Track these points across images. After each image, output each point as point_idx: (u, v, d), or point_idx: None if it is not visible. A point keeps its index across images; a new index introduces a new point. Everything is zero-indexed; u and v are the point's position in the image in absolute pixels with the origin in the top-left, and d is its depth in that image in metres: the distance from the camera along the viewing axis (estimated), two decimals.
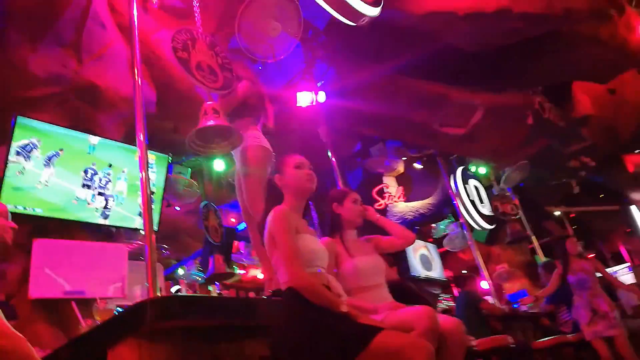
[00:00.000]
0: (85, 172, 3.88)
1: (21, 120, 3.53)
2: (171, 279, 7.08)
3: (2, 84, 3.67)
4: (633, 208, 11.05)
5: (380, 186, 7.52)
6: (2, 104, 3.69)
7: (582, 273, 4.64)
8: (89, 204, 3.84)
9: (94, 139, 3.99)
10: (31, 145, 3.59)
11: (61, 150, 3.76)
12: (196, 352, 1.99)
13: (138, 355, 1.83)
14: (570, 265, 4.75)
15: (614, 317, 4.41)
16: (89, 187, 3.87)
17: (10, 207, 3.33)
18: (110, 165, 4.06)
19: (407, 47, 4.54)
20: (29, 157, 3.59)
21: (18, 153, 3.52)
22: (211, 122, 2.68)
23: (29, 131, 3.58)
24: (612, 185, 10.15)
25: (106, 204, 3.96)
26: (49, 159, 3.68)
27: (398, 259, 6.25)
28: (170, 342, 1.94)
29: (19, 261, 3.33)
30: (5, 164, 3.40)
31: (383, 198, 7.47)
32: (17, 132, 3.50)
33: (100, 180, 3.99)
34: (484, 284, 6.60)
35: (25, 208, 3.47)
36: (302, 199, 2.11)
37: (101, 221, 3.92)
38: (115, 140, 4.17)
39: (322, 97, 4.79)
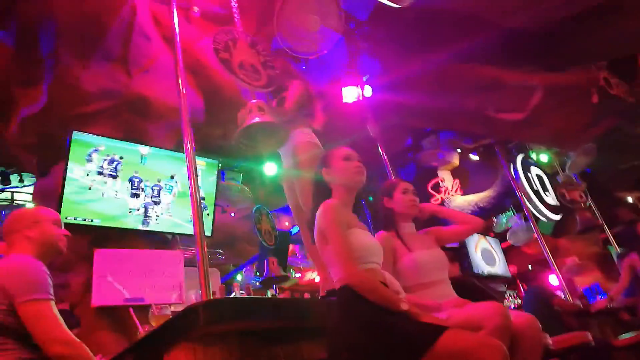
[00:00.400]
0: (131, 181, 3.95)
1: (77, 135, 3.65)
2: (230, 284, 7.17)
3: (57, 102, 3.82)
4: None
5: (435, 180, 7.25)
6: (59, 122, 3.84)
7: None
8: (137, 210, 3.91)
9: (145, 149, 4.06)
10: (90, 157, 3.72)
11: (121, 158, 3.87)
12: (252, 355, 1.91)
13: (193, 359, 1.78)
14: None
15: None
16: (137, 196, 3.94)
17: (70, 219, 3.46)
18: (158, 178, 4.12)
19: (455, 32, 4.31)
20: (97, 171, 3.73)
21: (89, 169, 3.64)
22: (257, 120, 2.62)
23: (85, 146, 3.69)
24: None
25: (155, 212, 4.03)
26: (115, 168, 3.80)
27: (459, 256, 5.98)
28: (225, 345, 1.88)
29: (82, 271, 3.43)
30: (64, 178, 3.52)
31: (439, 192, 7.20)
32: (73, 147, 3.62)
33: (152, 189, 4.06)
34: (554, 279, 6.19)
35: (84, 219, 3.57)
36: (352, 192, 2.00)
37: (153, 228, 3.97)
38: (167, 149, 4.24)
39: (368, 91, 4.66)
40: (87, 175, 3.66)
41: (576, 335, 3.38)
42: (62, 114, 3.82)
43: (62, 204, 3.45)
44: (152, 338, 2.03)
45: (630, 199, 9.47)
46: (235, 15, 3.56)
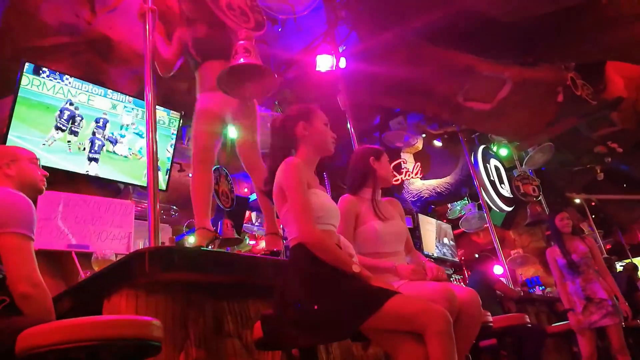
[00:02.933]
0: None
1: (29, 68, 3.42)
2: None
3: (13, 31, 3.56)
4: None
5: (397, 161, 7.32)
6: (11, 52, 3.59)
7: (575, 255, 4.11)
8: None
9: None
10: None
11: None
12: (196, 307, 1.87)
13: (134, 306, 1.73)
14: (563, 244, 4.12)
15: (610, 305, 3.82)
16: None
17: None
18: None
19: (435, 11, 4.28)
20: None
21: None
22: (241, 61, 2.47)
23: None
24: (637, 174, 9.79)
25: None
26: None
27: (412, 237, 6.10)
28: (169, 295, 1.83)
29: None
30: (11, 114, 3.30)
31: (400, 174, 7.28)
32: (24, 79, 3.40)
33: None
34: (498, 269, 6.43)
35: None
36: (319, 156, 1.95)
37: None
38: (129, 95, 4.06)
39: (342, 62, 4.59)
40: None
41: (515, 317, 3.52)
42: (16, 44, 3.57)
43: (8, 139, 3.25)
44: (93, 281, 1.96)
45: (578, 200, 9.91)
46: None
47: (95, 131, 3.83)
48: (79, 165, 3.69)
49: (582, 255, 4.03)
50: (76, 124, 3.70)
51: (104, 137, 3.90)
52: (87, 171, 3.70)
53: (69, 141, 3.64)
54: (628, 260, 10.08)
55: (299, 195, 1.72)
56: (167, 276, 1.80)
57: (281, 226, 2.92)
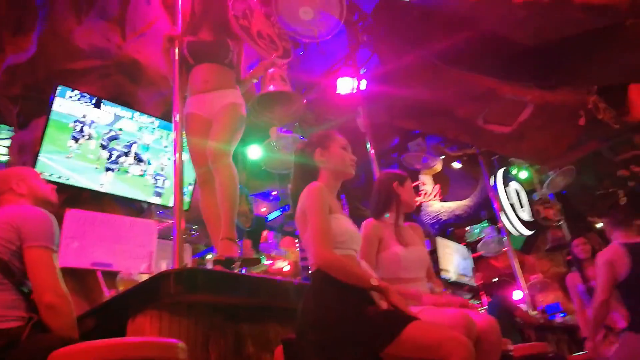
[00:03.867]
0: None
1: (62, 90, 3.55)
2: (200, 264, 7.10)
3: (46, 54, 3.71)
4: None
5: (416, 183, 7.31)
6: (45, 75, 3.73)
7: (595, 281, 3.96)
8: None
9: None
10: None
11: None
12: (219, 329, 1.90)
13: (158, 327, 1.76)
14: (583, 271, 4.01)
15: None
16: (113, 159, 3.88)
17: (45, 175, 3.38)
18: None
19: (457, 35, 4.33)
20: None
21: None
22: (271, 88, 2.55)
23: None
24: None
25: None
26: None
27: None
28: (192, 316, 1.86)
29: None
30: (44, 133, 3.42)
31: (418, 195, 7.26)
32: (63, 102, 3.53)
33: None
34: (517, 294, 6.31)
35: (59, 177, 3.48)
36: (339, 180, 1.98)
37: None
38: (154, 117, 4.17)
39: (363, 84, 4.64)
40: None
41: (536, 345, 3.45)
42: (50, 67, 3.71)
43: (38, 159, 3.36)
44: (118, 301, 2.00)
45: (600, 225, 9.71)
46: None
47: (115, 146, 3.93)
48: (94, 178, 3.74)
49: None
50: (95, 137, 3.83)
51: (124, 152, 3.98)
52: (101, 184, 3.76)
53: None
54: None
55: (319, 219, 1.74)
56: (191, 298, 1.84)
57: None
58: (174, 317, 1.82)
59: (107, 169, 3.78)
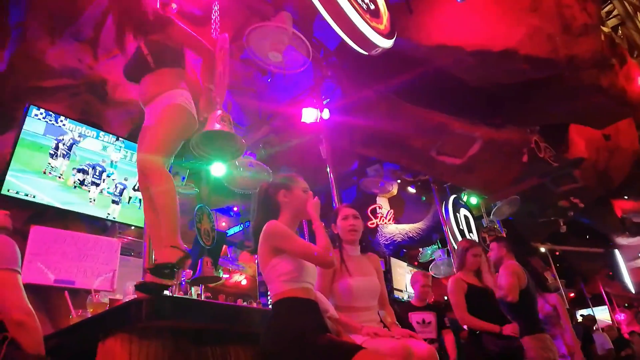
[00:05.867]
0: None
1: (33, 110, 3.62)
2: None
3: (16, 72, 3.76)
4: (616, 252, 11.24)
5: (373, 206, 7.63)
6: (13, 92, 3.78)
7: (540, 314, 4.37)
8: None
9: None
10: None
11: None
12: (183, 353, 2.06)
13: (128, 350, 1.90)
14: None
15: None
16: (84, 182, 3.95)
17: (12, 193, 3.43)
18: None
19: (413, 74, 4.69)
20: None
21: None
22: (217, 127, 2.70)
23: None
24: (598, 228, 10.33)
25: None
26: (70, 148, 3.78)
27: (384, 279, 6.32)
28: (159, 340, 2.01)
29: None
30: (13, 150, 3.48)
31: (375, 217, 7.57)
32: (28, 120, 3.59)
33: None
34: None
35: (26, 194, 3.53)
36: (298, 220, 2.18)
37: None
38: (120, 136, 4.26)
39: (326, 114, 4.90)
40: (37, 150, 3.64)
41: None
42: (18, 85, 3.77)
43: (6, 176, 3.41)
44: (89, 324, 2.12)
45: (542, 249, 10.36)
46: (214, 19, 3.70)
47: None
48: (59, 196, 3.79)
49: (546, 314, 4.34)
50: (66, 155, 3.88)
51: (87, 170, 4.03)
52: (68, 202, 3.80)
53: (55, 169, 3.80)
54: (587, 311, 10.50)
55: (297, 240, 1.97)
56: (160, 323, 2.00)
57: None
58: (143, 341, 1.96)
59: (74, 187, 3.85)
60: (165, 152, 2.38)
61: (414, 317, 4.17)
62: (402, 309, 4.34)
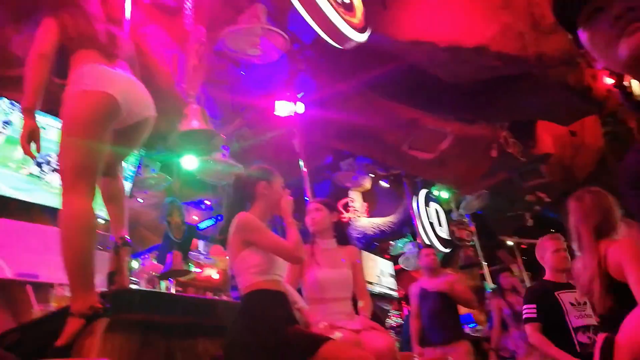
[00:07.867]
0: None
1: None
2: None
3: None
4: None
5: (346, 200, 7.67)
6: None
7: (518, 306, 4.67)
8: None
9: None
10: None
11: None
12: (151, 345, 2.04)
13: (94, 344, 1.87)
14: (505, 298, 4.87)
15: None
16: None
17: None
18: None
19: (387, 69, 4.72)
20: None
21: None
22: (196, 124, 2.70)
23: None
24: (563, 222, 10.60)
25: None
26: None
27: None
28: (127, 334, 1.99)
29: None
30: None
31: (347, 211, 7.62)
32: None
33: None
34: None
35: None
36: (271, 213, 2.19)
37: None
38: None
39: (300, 108, 4.89)
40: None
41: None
42: None
43: None
44: (54, 318, 2.08)
45: (510, 242, 10.61)
46: (188, 12, 3.65)
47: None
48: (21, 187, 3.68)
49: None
50: None
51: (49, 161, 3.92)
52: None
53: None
54: None
55: (269, 235, 1.97)
56: (127, 316, 1.97)
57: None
58: (109, 335, 1.93)
59: (38, 178, 3.75)
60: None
61: (565, 298, 2.76)
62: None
